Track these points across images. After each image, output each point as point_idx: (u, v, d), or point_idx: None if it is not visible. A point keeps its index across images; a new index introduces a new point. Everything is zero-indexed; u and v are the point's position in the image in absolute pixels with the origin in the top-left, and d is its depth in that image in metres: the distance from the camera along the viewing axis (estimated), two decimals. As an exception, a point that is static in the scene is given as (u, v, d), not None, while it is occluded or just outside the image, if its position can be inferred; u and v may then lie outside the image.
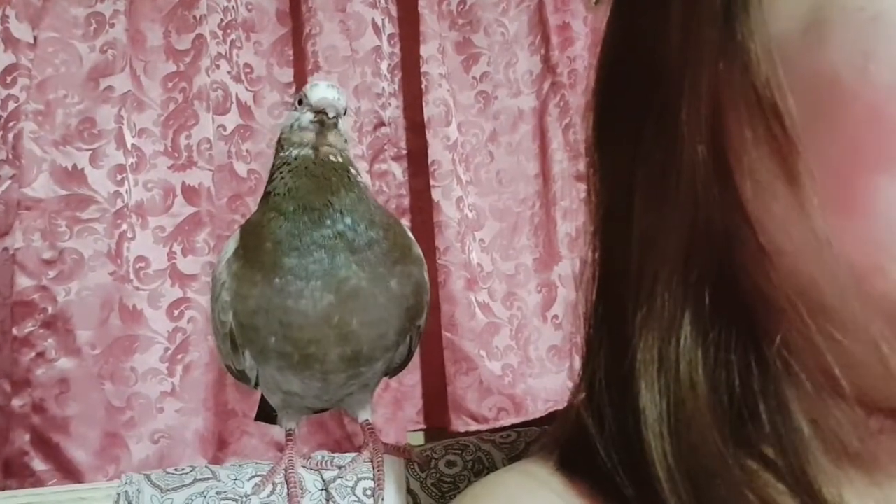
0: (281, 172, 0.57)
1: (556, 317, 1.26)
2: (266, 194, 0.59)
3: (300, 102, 0.58)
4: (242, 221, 1.16)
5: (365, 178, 1.13)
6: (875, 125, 0.24)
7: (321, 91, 0.56)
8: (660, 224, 0.29)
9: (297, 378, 0.60)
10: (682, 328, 0.29)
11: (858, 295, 0.25)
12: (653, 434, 0.28)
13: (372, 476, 0.60)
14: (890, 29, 0.24)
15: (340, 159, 0.57)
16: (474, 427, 1.16)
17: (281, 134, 0.59)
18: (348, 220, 0.55)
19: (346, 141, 0.59)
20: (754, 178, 0.27)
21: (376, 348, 0.58)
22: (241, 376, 0.63)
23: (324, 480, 0.60)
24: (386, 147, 1.24)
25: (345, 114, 0.58)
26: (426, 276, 0.62)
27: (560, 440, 0.33)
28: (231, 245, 0.60)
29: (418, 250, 0.62)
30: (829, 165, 0.26)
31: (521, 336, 1.23)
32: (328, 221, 0.54)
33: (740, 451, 0.28)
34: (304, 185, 0.55)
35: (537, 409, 1.20)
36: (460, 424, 1.17)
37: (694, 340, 0.29)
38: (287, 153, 0.57)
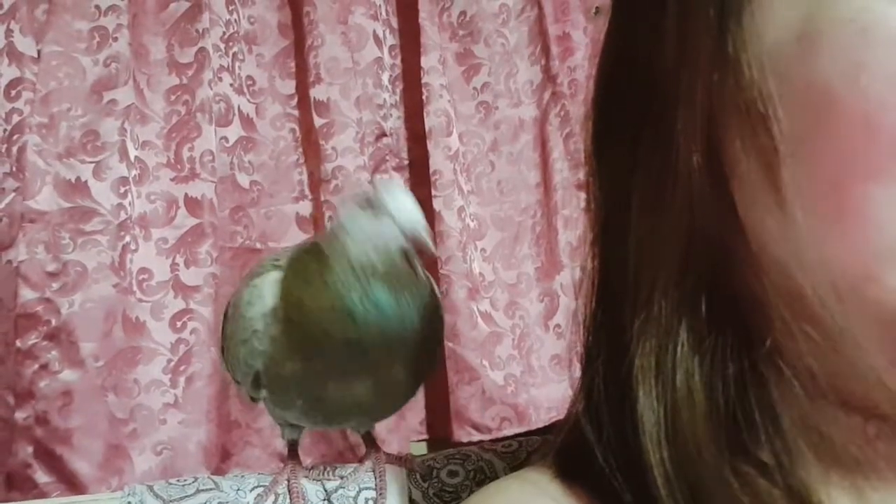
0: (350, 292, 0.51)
1: (558, 326, 1.26)
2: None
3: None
4: (245, 232, 1.18)
5: (367, 189, 1.15)
6: (867, 135, 0.25)
7: (409, 206, 0.51)
8: (656, 232, 0.30)
9: (310, 423, 0.61)
10: (678, 335, 0.29)
11: (852, 303, 0.26)
12: (650, 440, 0.28)
13: (374, 486, 0.60)
14: (879, 40, 0.25)
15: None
16: (477, 437, 1.16)
17: (346, 233, 0.53)
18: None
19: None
20: (747, 187, 0.28)
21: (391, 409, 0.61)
22: (249, 397, 0.63)
23: (326, 491, 0.60)
24: (388, 157, 1.24)
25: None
26: (441, 338, 0.62)
27: (559, 448, 0.34)
28: (270, 290, 0.55)
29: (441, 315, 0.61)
30: (823, 175, 0.26)
31: (523, 345, 1.23)
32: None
33: (736, 457, 0.28)
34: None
35: (540, 419, 1.20)
36: (463, 434, 1.17)
37: (690, 347, 0.29)
38: (354, 277, 0.52)
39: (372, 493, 0.59)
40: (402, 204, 0.53)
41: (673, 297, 0.29)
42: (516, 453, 0.59)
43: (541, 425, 1.19)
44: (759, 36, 0.27)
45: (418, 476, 0.60)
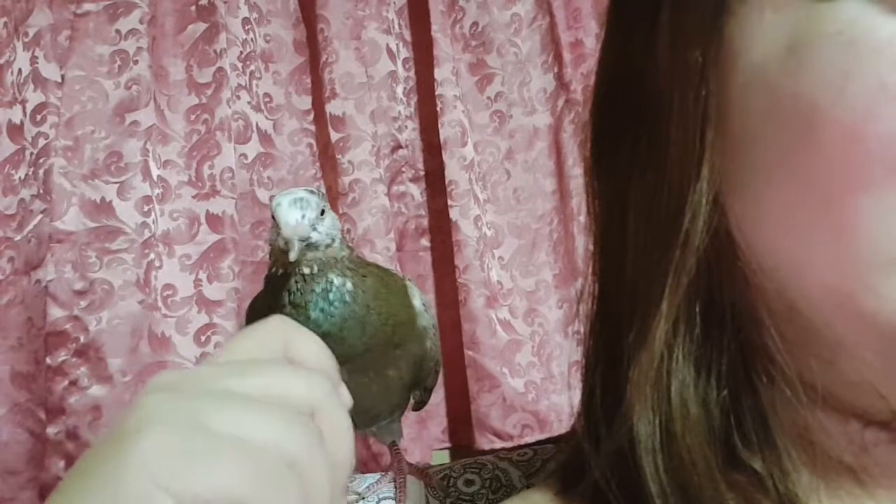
0: (272, 287, 0.54)
1: (577, 332, 1.25)
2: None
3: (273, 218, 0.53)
4: (265, 247, 1.19)
5: (384, 201, 1.16)
6: (854, 145, 0.25)
7: (284, 215, 0.51)
8: (652, 244, 0.30)
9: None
10: (674, 346, 0.30)
11: (847, 313, 0.26)
12: (645, 450, 0.29)
13: (393, 496, 0.61)
14: (866, 52, 0.25)
15: (316, 270, 0.52)
16: (499, 444, 1.17)
17: (269, 245, 0.56)
18: (336, 337, 0.51)
19: (332, 237, 0.54)
20: (739, 200, 0.28)
21: (369, 420, 0.61)
22: None
23: (347, 500, 0.61)
24: (404, 169, 1.25)
25: (322, 215, 0.53)
26: (430, 342, 0.60)
27: (562, 463, 0.34)
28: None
29: (424, 319, 0.60)
30: (813, 187, 0.26)
31: (543, 352, 1.24)
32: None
33: (730, 467, 0.29)
34: (289, 312, 0.52)
35: (561, 426, 1.20)
36: (485, 442, 1.17)
37: (685, 358, 0.29)
38: (273, 270, 0.55)
39: (391, 503, 0.60)
40: (282, 215, 0.51)
41: (668, 308, 0.30)
42: (531, 461, 0.59)
43: (562, 432, 1.19)
44: (747, 51, 0.28)
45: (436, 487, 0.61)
